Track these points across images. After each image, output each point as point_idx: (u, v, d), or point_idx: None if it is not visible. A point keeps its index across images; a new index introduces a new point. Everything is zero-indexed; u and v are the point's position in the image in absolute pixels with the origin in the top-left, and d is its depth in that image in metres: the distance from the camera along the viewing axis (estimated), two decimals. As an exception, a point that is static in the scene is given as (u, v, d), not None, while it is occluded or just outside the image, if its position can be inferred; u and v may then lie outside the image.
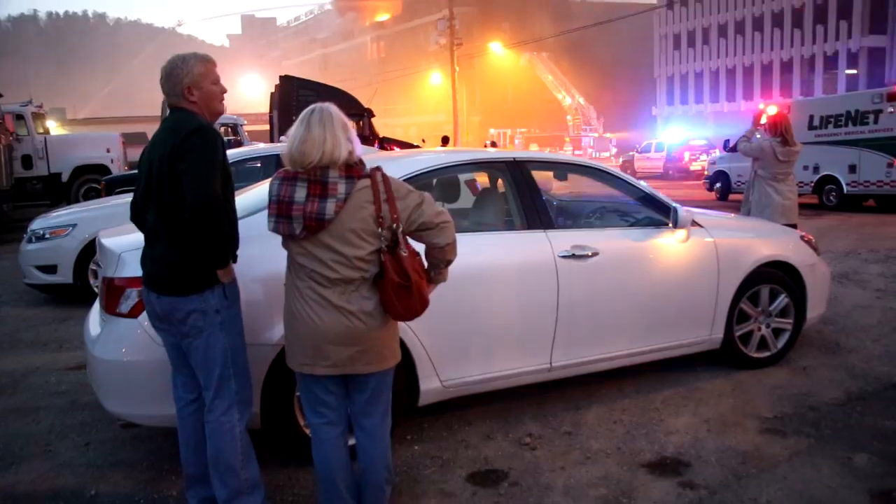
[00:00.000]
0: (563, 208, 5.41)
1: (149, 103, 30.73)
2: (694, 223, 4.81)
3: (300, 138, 2.78)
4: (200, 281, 2.95)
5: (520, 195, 4.31)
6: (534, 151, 5.00)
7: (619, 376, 4.93)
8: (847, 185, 17.39)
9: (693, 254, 4.76)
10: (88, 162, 19.23)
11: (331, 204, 2.73)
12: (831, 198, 17.79)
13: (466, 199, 5.03)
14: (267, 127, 27.00)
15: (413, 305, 2.84)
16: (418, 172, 4.10)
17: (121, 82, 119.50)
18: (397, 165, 4.09)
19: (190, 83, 3.02)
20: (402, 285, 2.79)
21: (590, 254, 4.31)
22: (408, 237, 2.88)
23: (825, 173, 17.88)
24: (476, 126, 65.95)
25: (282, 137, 11.18)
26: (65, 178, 18.89)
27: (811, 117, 18.35)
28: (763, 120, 7.55)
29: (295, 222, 2.75)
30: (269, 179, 2.96)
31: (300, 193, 2.75)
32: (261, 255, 3.39)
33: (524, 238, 4.24)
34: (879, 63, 45.33)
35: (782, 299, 5.24)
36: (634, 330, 4.59)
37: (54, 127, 46.99)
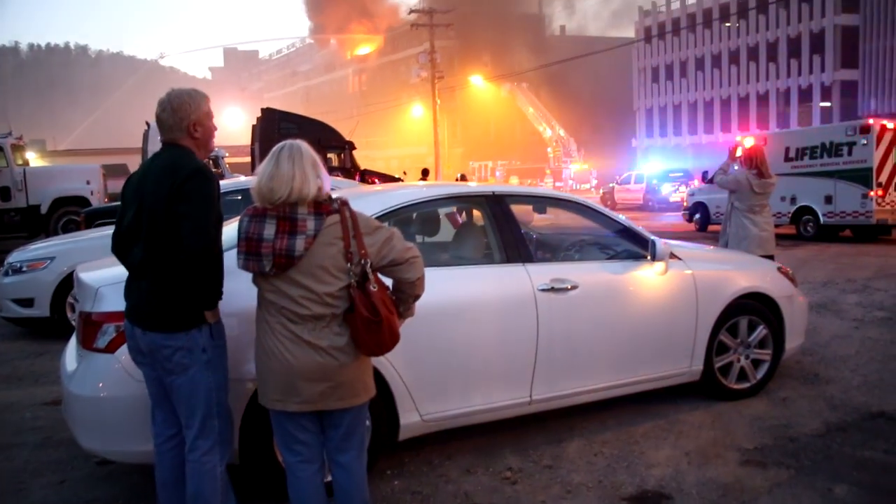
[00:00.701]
0: (543, 241, 5.43)
1: (129, 135, 30.65)
2: (672, 256, 4.86)
3: (269, 174, 2.79)
4: (189, 319, 2.93)
5: (499, 229, 4.34)
6: (512, 185, 5.03)
7: (600, 409, 4.93)
8: (823, 215, 17.65)
9: (671, 286, 4.79)
10: (68, 194, 19.10)
11: (300, 240, 2.74)
12: (808, 228, 18.02)
13: (445, 234, 5.05)
14: (248, 159, 27.01)
15: (383, 340, 2.84)
16: (396, 207, 4.12)
17: (102, 114, 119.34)
18: (375, 200, 4.12)
19: (196, 119, 3.04)
20: (372, 321, 2.79)
21: (569, 287, 4.34)
22: (377, 272, 2.89)
23: (802, 204, 18.14)
24: (458, 158, 66.36)
25: None
26: (44, 209, 18.73)
27: (787, 149, 18.67)
28: (738, 153, 7.67)
29: (264, 259, 2.76)
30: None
31: (269, 230, 2.76)
32: (239, 288, 3.37)
33: (504, 272, 4.25)
34: (852, 95, 46.33)
35: (761, 330, 5.28)
36: (614, 362, 4.60)
37: (34, 158, 46.74)
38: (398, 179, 25.63)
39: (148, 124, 29.09)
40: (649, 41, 58.53)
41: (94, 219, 12.58)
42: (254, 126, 25.80)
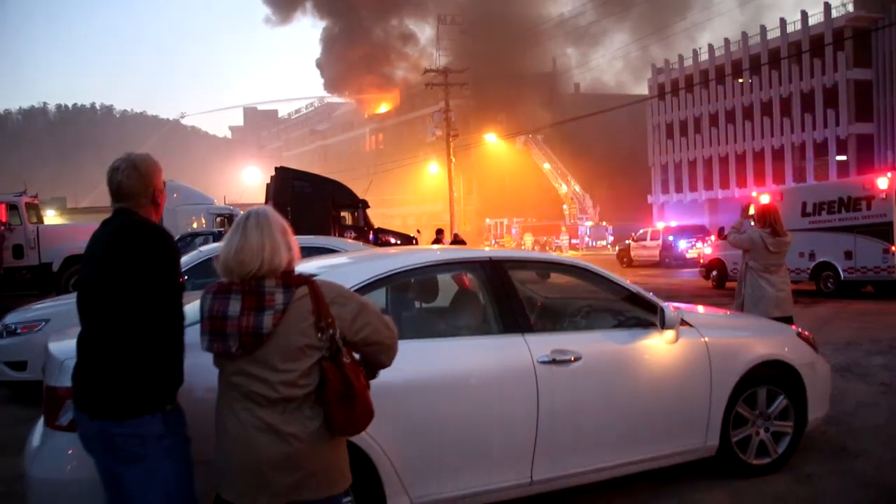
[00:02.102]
0: (547, 307, 5.16)
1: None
2: (683, 322, 4.56)
3: (236, 246, 2.57)
4: (140, 403, 2.64)
5: (496, 297, 4.08)
6: (511, 250, 4.82)
7: (608, 489, 4.56)
8: (844, 271, 17.24)
9: (683, 356, 4.49)
10: (79, 252, 18.95)
11: (268, 316, 2.50)
12: (829, 284, 17.59)
13: (439, 301, 4.79)
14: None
15: (357, 417, 2.59)
16: (383, 275, 3.89)
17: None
18: (362, 267, 3.89)
19: (160, 185, 2.89)
20: (346, 395, 2.54)
21: (572, 358, 4.05)
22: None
23: (821, 260, 17.74)
24: (473, 215, 66.47)
25: None
26: (55, 267, 18.74)
27: (804, 204, 18.36)
28: (752, 210, 7.41)
29: (230, 339, 2.52)
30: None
31: (234, 307, 2.53)
32: (207, 364, 3.13)
33: (501, 343, 3.98)
34: (868, 149, 46.09)
35: (781, 401, 4.94)
36: (622, 439, 4.28)
37: (54, 216, 47.31)
38: (413, 238, 25.55)
39: (164, 183, 29.50)
40: (663, 98, 58.84)
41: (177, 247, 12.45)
42: (268, 185, 25.93)
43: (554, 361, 4.00)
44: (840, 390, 7.24)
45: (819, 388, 5.23)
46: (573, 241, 54.52)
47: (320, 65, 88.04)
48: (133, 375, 2.62)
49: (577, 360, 4.06)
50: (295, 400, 2.54)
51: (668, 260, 33.24)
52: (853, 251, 17.10)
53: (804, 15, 48.98)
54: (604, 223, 56.02)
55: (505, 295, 4.10)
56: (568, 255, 49.85)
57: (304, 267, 4.10)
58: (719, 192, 54.46)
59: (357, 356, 2.69)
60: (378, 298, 4.13)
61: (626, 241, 38.07)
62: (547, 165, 60.67)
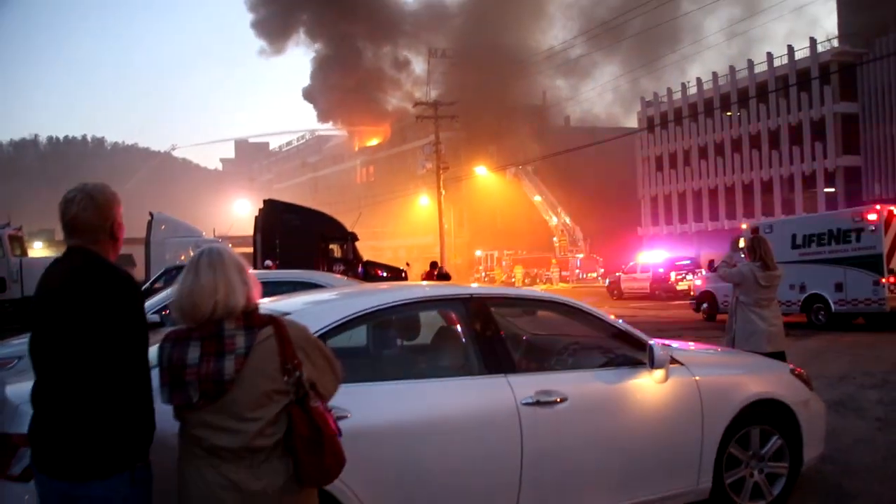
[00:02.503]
0: (533, 345, 4.99)
1: (140, 225, 30.77)
2: (673, 361, 4.40)
3: (188, 288, 2.40)
4: (109, 462, 2.39)
5: (478, 336, 3.92)
6: (494, 287, 4.68)
7: (598, 535, 4.37)
8: (835, 303, 17.15)
9: (673, 395, 4.32)
10: None
11: (229, 361, 2.33)
12: (820, 317, 17.50)
13: (418, 340, 4.62)
14: (252, 250, 26.86)
15: (327, 465, 2.41)
16: (358, 314, 3.71)
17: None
18: (335, 306, 3.73)
19: (118, 218, 2.65)
20: (314, 441, 2.37)
21: (557, 400, 3.87)
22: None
23: (812, 292, 17.66)
24: (464, 247, 66.38)
25: (266, 262, 10.82)
26: (38, 301, 18.46)
27: (794, 236, 18.34)
28: (741, 243, 7.30)
29: (190, 388, 2.34)
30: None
31: (193, 353, 2.35)
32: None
33: (482, 384, 3.81)
34: (856, 181, 46.40)
35: (775, 441, 4.77)
36: (610, 483, 4.10)
37: (40, 248, 46.92)
38: (402, 271, 25.35)
39: (151, 214, 29.29)
40: (652, 130, 59.21)
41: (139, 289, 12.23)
42: (256, 217, 25.77)
43: (538, 403, 3.82)
44: (835, 427, 7.07)
45: (814, 427, 5.07)
46: (564, 273, 54.42)
47: (311, 94, 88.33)
48: (99, 431, 2.38)
49: (562, 401, 3.89)
50: (263, 451, 2.36)
51: (659, 292, 33.14)
52: (843, 283, 17.04)
53: (790, 49, 49.57)
54: (594, 255, 56.00)
55: (487, 334, 3.93)
56: (558, 287, 49.79)
57: (280, 304, 3.94)
58: (709, 223, 54.60)
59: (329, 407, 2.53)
60: (356, 337, 3.97)
61: (617, 274, 37.99)
62: (538, 198, 60.77)
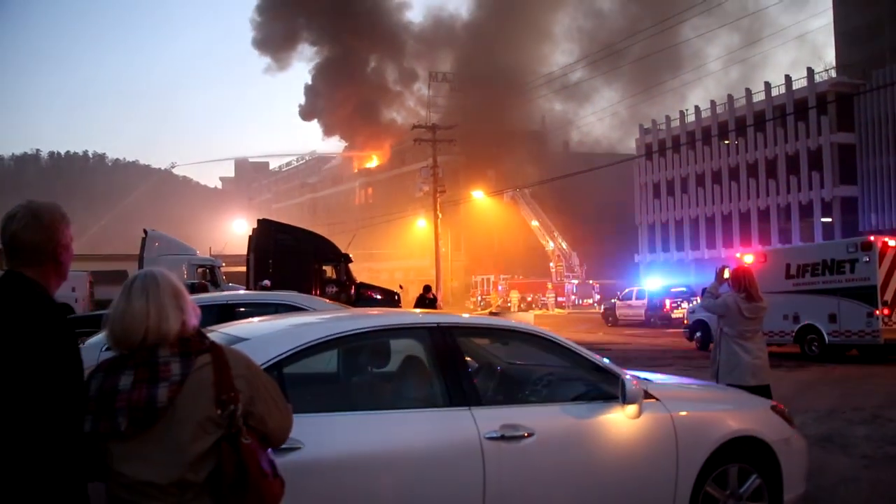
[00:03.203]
0: (507, 375, 4.86)
1: (134, 241, 30.80)
2: (648, 395, 4.27)
3: (119, 313, 2.28)
4: None
5: (442, 367, 3.79)
6: (461, 316, 4.55)
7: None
8: (828, 334, 16.99)
9: (646, 432, 4.19)
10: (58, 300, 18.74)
11: (163, 389, 2.19)
12: (813, 348, 17.33)
13: (379, 371, 4.49)
14: (245, 269, 26.79)
15: None
16: (313, 343, 3.58)
17: (114, 220, 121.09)
18: (291, 334, 3.61)
19: (64, 241, 2.43)
20: (238, 480, 2.22)
21: (524, 434, 3.74)
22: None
23: (806, 322, 17.51)
24: (461, 271, 66.28)
25: (263, 283, 10.66)
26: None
27: (788, 266, 18.24)
28: (726, 274, 7.19)
29: (119, 415, 2.19)
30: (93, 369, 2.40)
31: (125, 380, 2.22)
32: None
33: (444, 417, 3.67)
34: (853, 211, 46.47)
35: (754, 480, 4.62)
36: (579, 523, 3.95)
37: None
38: (395, 294, 25.23)
39: (145, 231, 29.26)
40: (650, 158, 59.41)
41: (74, 327, 12.13)
42: (250, 237, 25.72)
43: (503, 438, 3.68)
44: (820, 463, 6.92)
45: (795, 466, 4.92)
46: (559, 299, 54.27)
47: (313, 108, 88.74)
48: (23, 492, 2.14)
49: (529, 436, 3.75)
50: (192, 488, 2.21)
51: (654, 320, 33.01)
52: (837, 314, 16.89)
53: (788, 79, 49.91)
54: (590, 281, 55.86)
55: (452, 364, 3.81)
56: (554, 313, 49.60)
57: (238, 329, 3.83)
58: (706, 251, 54.59)
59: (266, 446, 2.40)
60: (315, 365, 3.85)
61: (612, 300, 37.87)
62: (535, 222, 60.80)
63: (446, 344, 3.85)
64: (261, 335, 3.68)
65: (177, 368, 2.24)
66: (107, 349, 2.49)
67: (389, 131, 79.49)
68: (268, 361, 3.27)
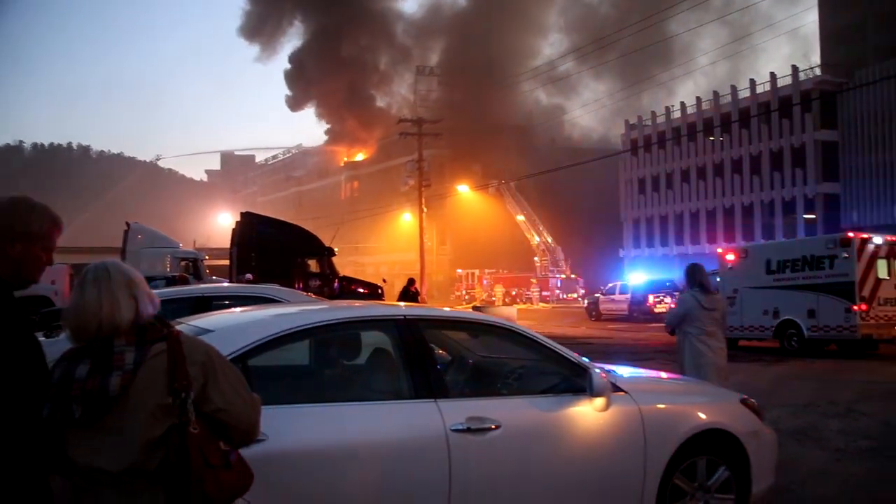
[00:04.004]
0: (479, 368, 4.86)
1: (117, 234, 30.60)
2: (616, 388, 4.29)
3: (73, 305, 2.29)
4: None
5: (408, 359, 3.79)
6: (428, 308, 4.59)
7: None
8: (807, 329, 17.13)
9: (614, 424, 4.20)
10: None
11: (116, 377, 2.19)
12: (793, 342, 17.47)
13: (345, 363, 4.48)
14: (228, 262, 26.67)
15: (194, 498, 2.23)
16: (277, 335, 3.56)
17: (99, 212, 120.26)
18: (254, 326, 3.60)
19: (23, 232, 2.37)
20: (181, 474, 2.22)
21: (491, 427, 3.74)
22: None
23: (785, 317, 17.65)
24: (446, 265, 66.31)
25: (246, 276, 10.59)
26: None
27: (768, 261, 18.38)
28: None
29: (73, 403, 2.20)
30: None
31: (82, 369, 2.23)
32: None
33: (410, 409, 3.67)
34: (835, 208, 46.85)
35: (722, 472, 4.65)
36: (546, 515, 3.96)
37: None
38: (379, 287, 25.20)
39: (128, 224, 29.05)
40: (635, 153, 59.59)
41: (51, 320, 12.03)
42: (233, 230, 25.59)
43: (469, 430, 3.68)
44: (793, 456, 6.98)
45: (763, 459, 4.95)
46: (544, 293, 54.39)
47: (305, 94, 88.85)
48: None
49: (496, 428, 3.76)
50: (144, 476, 2.21)
51: (637, 314, 33.15)
52: (816, 310, 17.04)
53: (773, 77, 50.19)
54: (574, 276, 56.03)
55: (419, 356, 3.81)
56: (538, 307, 49.73)
57: (203, 321, 3.81)
58: (690, 247, 54.86)
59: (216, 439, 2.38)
60: (282, 357, 3.84)
61: (596, 295, 38.00)
62: (521, 217, 60.88)
63: (413, 336, 3.85)
64: (226, 326, 3.66)
65: (130, 357, 2.24)
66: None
67: (379, 119, 79.25)
68: (232, 353, 3.26)
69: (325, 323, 3.88)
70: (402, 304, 8.82)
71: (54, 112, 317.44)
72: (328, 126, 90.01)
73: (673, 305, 22.74)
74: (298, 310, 4.15)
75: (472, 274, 59.43)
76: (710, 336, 6.79)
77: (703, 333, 6.77)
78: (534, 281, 55.52)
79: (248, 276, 17.38)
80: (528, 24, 76.45)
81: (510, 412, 3.91)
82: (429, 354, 3.86)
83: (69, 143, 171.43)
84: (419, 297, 21.96)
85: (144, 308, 2.33)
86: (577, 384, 4.22)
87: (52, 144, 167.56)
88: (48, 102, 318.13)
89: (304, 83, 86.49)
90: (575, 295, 53.09)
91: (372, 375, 4.20)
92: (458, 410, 3.73)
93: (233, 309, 4.59)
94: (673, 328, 7.20)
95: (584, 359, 4.38)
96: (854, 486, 6.13)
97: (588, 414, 4.12)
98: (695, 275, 6.99)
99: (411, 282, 22.66)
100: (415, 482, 3.59)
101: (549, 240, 58.55)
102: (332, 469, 3.39)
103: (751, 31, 73.03)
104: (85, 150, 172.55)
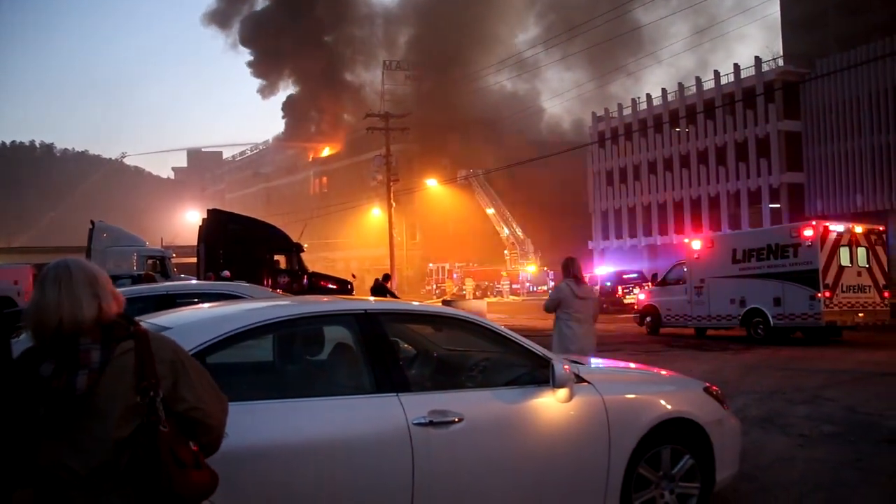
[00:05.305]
0: (444, 362, 4.83)
1: (82, 233, 30.10)
2: (580, 379, 4.29)
3: (34, 303, 2.26)
4: None
5: (369, 353, 3.75)
6: (389, 301, 4.58)
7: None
8: (773, 317, 17.37)
9: (577, 415, 4.20)
10: None
11: (82, 376, 2.16)
12: (759, 331, 17.70)
13: (307, 358, 4.43)
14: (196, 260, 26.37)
15: (163, 497, 2.21)
16: (236, 331, 3.51)
17: (62, 211, 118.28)
18: (212, 322, 3.54)
19: None
20: (151, 472, 2.19)
21: (454, 420, 3.72)
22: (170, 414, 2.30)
23: (752, 306, 17.88)
24: (417, 259, 66.24)
25: (224, 273, 10.48)
26: (-41, 311, 17.81)
27: (734, 251, 18.61)
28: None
29: (38, 403, 2.16)
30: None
31: (46, 368, 2.19)
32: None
33: (371, 403, 3.64)
34: (800, 197, 47.51)
35: (686, 460, 4.68)
36: (510, 507, 3.94)
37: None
38: (348, 283, 25.09)
39: (93, 223, 28.58)
40: (603, 145, 59.90)
41: (12, 321, 11.79)
42: (200, 227, 25.31)
43: (431, 423, 3.66)
44: (758, 443, 7.08)
45: (727, 447, 4.99)
46: (514, 286, 54.54)
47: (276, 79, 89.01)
48: None
49: (459, 421, 3.74)
50: (112, 475, 2.16)
51: (607, 306, 33.36)
52: (782, 298, 17.28)
53: (736, 68, 50.67)
54: (545, 268, 56.26)
55: (379, 351, 3.77)
56: (508, 300, 49.87)
57: (162, 319, 3.74)
58: (658, 238, 55.32)
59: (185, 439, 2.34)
60: (242, 354, 3.78)
61: (566, 286, 38.19)
62: (491, 210, 60.95)
63: (374, 330, 3.82)
64: (184, 323, 3.60)
65: (97, 356, 2.21)
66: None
67: (347, 110, 79.11)
68: (191, 350, 3.19)
69: (284, 318, 3.83)
70: (371, 298, 8.78)
71: (15, 110, 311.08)
72: (287, 117, 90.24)
73: (641, 295, 23.01)
74: (258, 305, 4.10)
75: (443, 268, 59.42)
76: (577, 322, 7.56)
77: (571, 319, 7.55)
78: (504, 274, 55.63)
79: (226, 272, 17.20)
80: (495, 15, 76.51)
81: (473, 405, 3.89)
82: (390, 348, 3.83)
83: (31, 142, 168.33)
84: (390, 293, 21.80)
85: (108, 306, 2.29)
86: (540, 376, 4.21)
87: (13, 143, 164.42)
88: (8, 100, 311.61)
89: (272, 66, 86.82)
90: (545, 287, 53.31)
91: (334, 370, 4.15)
92: (420, 404, 3.70)
93: (192, 306, 4.51)
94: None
95: (546, 351, 4.37)
96: (817, 471, 6.21)
97: (551, 405, 4.12)
98: (570, 268, 7.80)
99: (386, 277, 22.50)
100: (377, 476, 3.55)
101: (519, 232, 58.69)
102: (294, 465, 3.35)
103: (717, 21, 73.88)
104: (48, 148, 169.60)
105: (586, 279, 8.05)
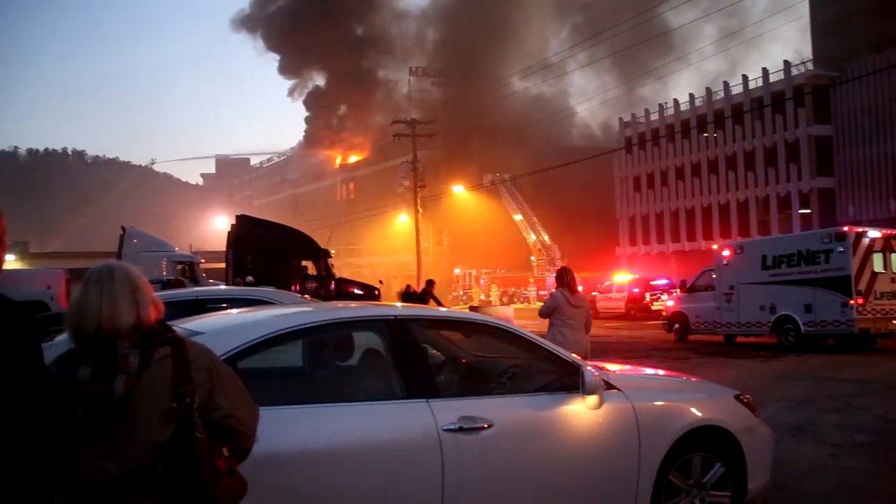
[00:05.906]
0: (472, 368, 4.83)
1: (113, 239, 30.56)
2: (609, 386, 4.27)
3: (75, 305, 2.29)
4: None
5: (399, 359, 3.77)
6: (420, 307, 4.64)
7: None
8: (804, 324, 17.13)
9: (607, 422, 4.18)
10: (25, 299, 18.55)
11: (120, 381, 2.19)
12: (790, 338, 17.46)
13: (338, 364, 4.46)
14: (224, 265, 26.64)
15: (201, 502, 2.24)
16: (268, 336, 3.54)
17: (92, 217, 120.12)
18: (244, 328, 3.58)
19: None
20: (189, 478, 2.22)
21: (484, 426, 3.72)
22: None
23: (782, 313, 17.66)
24: (444, 266, 66.19)
25: (248, 278, 10.61)
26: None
27: (764, 257, 18.39)
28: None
29: (77, 406, 2.19)
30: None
31: (84, 371, 2.22)
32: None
33: (402, 409, 3.65)
34: (830, 202, 46.84)
35: (717, 468, 4.64)
36: (540, 514, 3.94)
37: (13, 260, 46.36)
38: (375, 289, 25.17)
39: (123, 229, 28.99)
40: (630, 151, 59.54)
41: (46, 324, 11.99)
42: (229, 233, 25.56)
43: (461, 430, 3.66)
44: (790, 452, 6.99)
45: (759, 455, 4.94)
46: (541, 292, 54.29)
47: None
48: None
49: (489, 427, 3.74)
50: (147, 480, 2.20)
51: (634, 312, 33.16)
52: (813, 304, 17.03)
53: (765, 72, 50.14)
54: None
55: (409, 356, 3.79)
56: (536, 306, 49.63)
57: (194, 324, 3.79)
58: (686, 244, 54.83)
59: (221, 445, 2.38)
60: (272, 359, 3.82)
61: (592, 293, 37.97)
62: (518, 216, 60.75)
63: (404, 336, 3.84)
64: (215, 329, 3.64)
65: (135, 361, 2.24)
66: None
67: (371, 126, 79.52)
68: (222, 356, 3.23)
69: (315, 324, 3.86)
70: (398, 304, 8.80)
71: (49, 118, 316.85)
72: (311, 113, 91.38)
73: (670, 302, 22.82)
74: (289, 311, 4.14)
75: (470, 274, 59.34)
76: (570, 328, 7.83)
77: (564, 325, 7.82)
78: (531, 280, 55.44)
79: (250, 278, 17.36)
80: (522, 20, 76.45)
81: (502, 411, 3.89)
82: (419, 354, 3.85)
83: (64, 149, 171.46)
84: (435, 299, 21.55)
85: (147, 313, 2.32)
86: (569, 383, 4.20)
87: (47, 150, 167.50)
88: (43, 108, 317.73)
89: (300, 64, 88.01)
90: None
91: (363, 376, 4.18)
92: (450, 410, 3.71)
93: (223, 311, 4.57)
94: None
95: (576, 357, 4.37)
96: (850, 481, 6.12)
97: (581, 412, 4.11)
98: (564, 277, 8.17)
99: (430, 283, 22.24)
100: (407, 482, 3.56)
101: (546, 238, 58.44)
102: (323, 470, 3.37)
103: (746, 24, 73.20)
104: (80, 155, 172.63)
105: (580, 289, 8.43)
